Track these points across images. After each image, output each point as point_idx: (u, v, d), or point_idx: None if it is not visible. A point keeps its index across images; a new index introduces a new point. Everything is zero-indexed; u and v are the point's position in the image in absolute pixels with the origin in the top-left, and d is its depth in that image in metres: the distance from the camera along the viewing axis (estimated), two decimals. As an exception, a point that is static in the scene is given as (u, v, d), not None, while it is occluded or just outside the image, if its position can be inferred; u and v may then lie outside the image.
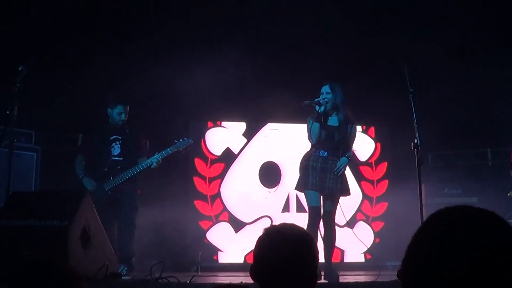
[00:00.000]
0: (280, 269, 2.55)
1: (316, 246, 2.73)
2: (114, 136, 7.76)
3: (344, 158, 6.83)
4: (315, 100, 6.81)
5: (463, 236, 1.37)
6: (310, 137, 6.87)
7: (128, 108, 7.74)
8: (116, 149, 7.70)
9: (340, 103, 6.93)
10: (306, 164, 6.90)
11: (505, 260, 1.32)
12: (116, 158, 7.67)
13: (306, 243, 2.66)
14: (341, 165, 6.77)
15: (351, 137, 7.00)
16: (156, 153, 7.56)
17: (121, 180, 7.51)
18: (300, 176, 7.00)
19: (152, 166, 7.53)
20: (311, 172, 6.78)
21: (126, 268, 7.14)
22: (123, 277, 6.61)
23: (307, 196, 6.83)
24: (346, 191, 6.92)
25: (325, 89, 6.89)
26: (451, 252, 1.35)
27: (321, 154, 6.82)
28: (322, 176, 6.74)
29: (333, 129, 6.85)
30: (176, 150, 7.63)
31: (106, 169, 7.59)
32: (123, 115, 7.70)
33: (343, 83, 9.26)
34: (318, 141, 6.77)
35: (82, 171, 7.67)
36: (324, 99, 6.80)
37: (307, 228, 6.27)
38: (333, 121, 6.93)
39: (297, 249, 2.59)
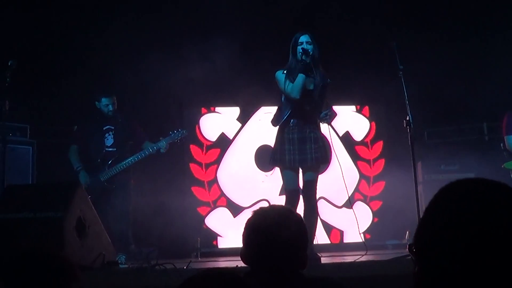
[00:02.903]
0: (268, 251, 2.54)
1: (305, 227, 2.72)
2: (107, 127, 7.84)
3: (331, 111, 6.45)
4: (301, 50, 6.33)
5: (478, 207, 1.34)
6: (290, 92, 6.26)
7: (115, 98, 7.81)
8: (109, 140, 7.76)
9: (318, 58, 6.46)
10: (281, 137, 6.40)
11: None
12: (110, 149, 7.75)
13: (294, 223, 2.65)
14: (327, 114, 6.34)
15: (325, 96, 6.55)
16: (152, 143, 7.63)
17: (117, 171, 7.58)
18: (274, 150, 6.52)
19: (160, 151, 7.60)
20: (288, 146, 6.33)
21: (124, 257, 7.17)
22: (121, 266, 6.63)
23: (284, 177, 6.43)
24: (327, 160, 6.62)
25: (305, 38, 6.38)
26: (466, 224, 1.32)
27: (296, 123, 6.37)
28: (301, 149, 6.33)
29: (312, 92, 6.40)
30: (171, 141, 7.68)
31: (99, 160, 7.64)
32: (110, 106, 7.78)
33: (335, 62, 9.28)
34: (301, 96, 6.25)
35: (79, 163, 7.74)
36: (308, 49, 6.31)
37: None
38: (308, 83, 6.40)
39: (285, 230, 2.58)
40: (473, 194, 1.39)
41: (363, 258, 7.18)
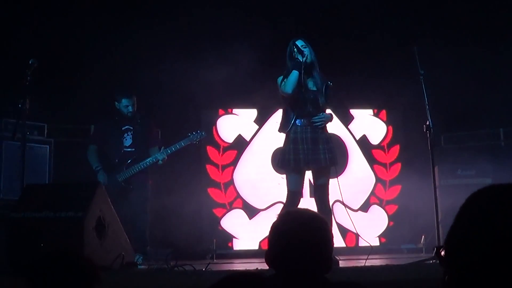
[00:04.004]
0: (294, 254, 2.54)
1: (331, 230, 2.73)
2: (126, 127, 7.83)
3: (326, 114, 6.45)
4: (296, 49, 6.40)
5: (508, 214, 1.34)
6: (283, 89, 6.32)
7: (135, 99, 7.81)
8: (128, 140, 7.76)
9: (315, 60, 6.50)
10: (294, 137, 6.34)
11: None
12: (128, 149, 7.75)
13: (320, 227, 2.66)
14: (323, 117, 6.37)
15: (331, 98, 6.53)
16: (167, 147, 7.63)
17: (134, 172, 7.59)
18: (284, 150, 6.41)
19: (158, 163, 7.61)
20: (301, 146, 6.28)
21: (141, 257, 7.19)
22: (139, 266, 6.65)
23: (290, 178, 6.39)
24: (337, 161, 6.56)
25: (300, 42, 6.45)
26: (499, 229, 1.31)
27: (305, 123, 6.33)
28: (314, 149, 6.30)
29: (315, 93, 6.41)
30: (189, 143, 7.69)
31: (117, 160, 7.65)
32: (129, 107, 7.77)
33: (354, 66, 9.29)
34: (293, 91, 6.25)
35: (98, 163, 7.76)
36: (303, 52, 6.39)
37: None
38: (310, 84, 6.45)
39: (311, 233, 2.58)
40: (507, 199, 1.39)
41: (379, 262, 7.19)
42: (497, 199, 1.38)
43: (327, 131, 6.56)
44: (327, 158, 6.33)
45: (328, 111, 6.56)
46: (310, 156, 6.27)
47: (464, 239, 1.36)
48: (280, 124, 6.61)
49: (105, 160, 7.80)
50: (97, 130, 8.22)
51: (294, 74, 6.28)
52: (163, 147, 7.67)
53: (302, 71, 6.30)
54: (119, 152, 7.70)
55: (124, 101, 7.73)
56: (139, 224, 7.53)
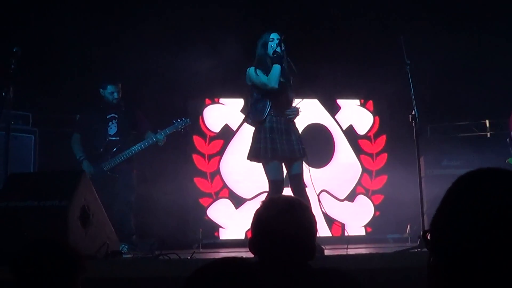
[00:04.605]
0: (277, 241, 2.54)
1: (314, 218, 2.72)
2: (111, 115, 7.79)
3: (296, 107, 6.50)
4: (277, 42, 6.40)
5: (500, 195, 1.32)
6: (267, 83, 6.26)
7: (120, 86, 7.77)
8: (112, 129, 7.71)
9: (286, 54, 6.54)
10: (270, 126, 6.30)
11: None
12: (113, 138, 7.71)
13: (303, 214, 2.65)
14: (295, 110, 6.44)
15: (293, 88, 6.57)
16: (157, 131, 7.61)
17: (119, 160, 7.57)
18: (259, 139, 6.35)
19: (158, 144, 7.59)
20: (278, 136, 6.27)
21: (127, 247, 7.17)
22: (124, 256, 6.64)
23: (269, 168, 6.32)
24: (306, 152, 6.54)
25: (276, 35, 6.44)
26: (487, 211, 1.29)
27: (279, 114, 6.34)
28: (288, 139, 6.31)
29: (285, 84, 6.44)
30: (174, 130, 7.67)
31: (102, 150, 7.62)
32: (115, 94, 7.72)
33: (341, 56, 9.30)
34: (277, 85, 6.25)
35: (82, 153, 7.71)
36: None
37: None
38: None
39: (293, 220, 2.58)
40: (496, 182, 1.38)
41: (365, 251, 7.20)
42: (486, 181, 1.38)
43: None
44: (300, 149, 6.39)
45: (296, 104, 6.59)
46: (285, 146, 6.29)
47: (450, 221, 1.35)
48: (250, 114, 6.59)
49: (89, 149, 7.75)
50: (81, 118, 8.13)
51: (278, 68, 6.29)
52: (158, 130, 7.66)
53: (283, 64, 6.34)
54: (104, 141, 7.66)
55: (110, 88, 7.68)
56: (125, 214, 7.51)
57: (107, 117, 7.78)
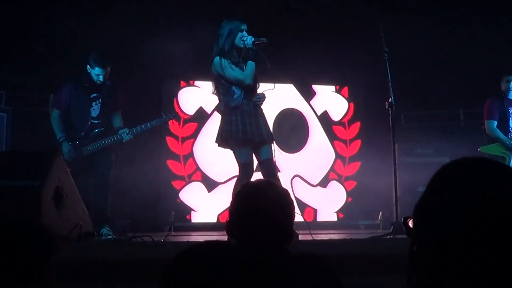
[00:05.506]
0: (254, 225, 2.54)
1: (293, 203, 2.73)
2: (95, 95, 7.46)
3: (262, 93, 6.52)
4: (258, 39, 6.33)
5: (486, 183, 1.31)
6: (243, 79, 6.25)
7: (108, 70, 7.38)
8: (95, 110, 7.41)
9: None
10: (241, 110, 6.28)
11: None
12: (95, 121, 7.41)
13: (282, 199, 2.65)
14: (262, 96, 6.47)
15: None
16: (137, 125, 7.42)
17: (99, 146, 7.29)
18: (230, 121, 6.31)
19: (123, 141, 7.41)
20: (248, 119, 6.26)
21: (107, 228, 7.01)
22: (108, 237, 6.62)
23: (239, 152, 6.32)
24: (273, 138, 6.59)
25: (245, 26, 6.38)
26: (472, 199, 1.28)
27: (249, 99, 6.32)
28: (257, 123, 6.30)
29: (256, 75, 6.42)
30: (160, 123, 7.56)
31: (83, 134, 7.36)
32: (100, 76, 7.33)
33: (317, 42, 9.29)
34: (252, 82, 6.30)
35: (62, 133, 7.35)
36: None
37: (237, 186, 6.04)
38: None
39: (273, 205, 2.58)
40: (482, 170, 1.37)
41: (337, 237, 7.24)
42: (472, 170, 1.37)
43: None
44: (268, 134, 6.41)
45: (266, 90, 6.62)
46: (254, 129, 6.27)
47: (437, 209, 1.34)
48: (223, 103, 6.49)
49: (70, 130, 7.42)
50: (63, 93, 7.57)
51: (253, 65, 6.28)
52: (133, 129, 7.41)
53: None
54: (85, 124, 7.37)
55: (97, 70, 7.29)
56: (103, 196, 7.32)
57: (91, 96, 7.44)
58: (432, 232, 1.33)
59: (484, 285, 1.25)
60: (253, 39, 6.28)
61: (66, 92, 7.51)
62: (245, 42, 6.30)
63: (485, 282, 1.25)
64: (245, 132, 6.23)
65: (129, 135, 7.38)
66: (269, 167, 6.37)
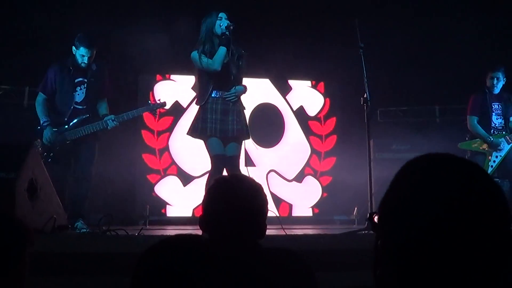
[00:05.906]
0: (227, 219, 2.54)
1: (266, 197, 2.73)
2: (80, 79, 7.19)
3: (240, 86, 6.51)
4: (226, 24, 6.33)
5: (452, 178, 1.31)
6: (211, 64, 6.28)
7: (94, 51, 7.12)
8: (80, 95, 7.15)
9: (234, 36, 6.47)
10: (204, 108, 6.37)
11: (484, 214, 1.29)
12: (79, 107, 7.15)
13: (256, 193, 2.66)
14: (236, 92, 6.41)
15: (243, 71, 6.62)
16: (122, 113, 7.24)
17: (83, 133, 7.09)
18: (195, 119, 6.49)
19: (108, 127, 7.22)
20: (210, 116, 6.31)
21: (82, 222, 6.90)
22: (83, 230, 6.56)
23: (209, 144, 6.37)
24: (248, 135, 6.60)
25: (224, 14, 6.41)
26: (437, 194, 1.28)
27: (220, 95, 6.38)
28: (223, 119, 6.33)
29: (229, 66, 6.41)
30: (147, 111, 7.49)
31: (66, 119, 7.09)
32: (85, 58, 7.06)
33: (293, 37, 9.30)
34: (219, 67, 6.28)
35: (46, 118, 7.11)
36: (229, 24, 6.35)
37: (210, 179, 6.17)
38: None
39: (246, 199, 2.58)
40: (445, 167, 1.38)
41: (312, 232, 7.26)
42: (435, 167, 1.38)
43: (241, 105, 6.59)
44: (235, 129, 6.37)
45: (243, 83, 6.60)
46: (217, 126, 6.30)
47: (399, 205, 1.35)
48: (198, 96, 6.64)
49: (53, 115, 7.17)
50: (48, 77, 7.28)
51: (224, 50, 6.29)
52: (118, 116, 7.16)
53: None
54: (69, 109, 7.11)
55: (82, 50, 7.03)
56: (82, 188, 7.13)
57: (76, 81, 7.18)
58: (395, 228, 1.34)
59: (444, 281, 1.26)
60: (227, 23, 6.32)
61: (51, 76, 7.24)
62: (221, 27, 6.34)
63: (445, 278, 1.26)
64: (204, 130, 6.34)
65: (114, 121, 7.13)
66: (233, 165, 6.37)
